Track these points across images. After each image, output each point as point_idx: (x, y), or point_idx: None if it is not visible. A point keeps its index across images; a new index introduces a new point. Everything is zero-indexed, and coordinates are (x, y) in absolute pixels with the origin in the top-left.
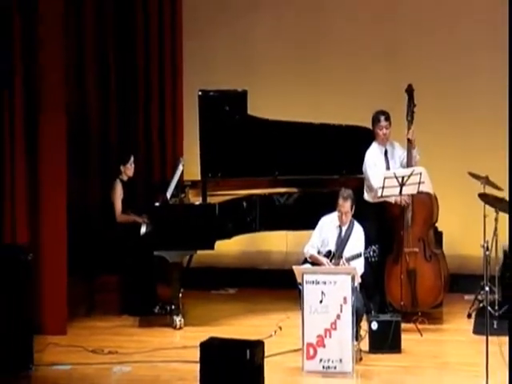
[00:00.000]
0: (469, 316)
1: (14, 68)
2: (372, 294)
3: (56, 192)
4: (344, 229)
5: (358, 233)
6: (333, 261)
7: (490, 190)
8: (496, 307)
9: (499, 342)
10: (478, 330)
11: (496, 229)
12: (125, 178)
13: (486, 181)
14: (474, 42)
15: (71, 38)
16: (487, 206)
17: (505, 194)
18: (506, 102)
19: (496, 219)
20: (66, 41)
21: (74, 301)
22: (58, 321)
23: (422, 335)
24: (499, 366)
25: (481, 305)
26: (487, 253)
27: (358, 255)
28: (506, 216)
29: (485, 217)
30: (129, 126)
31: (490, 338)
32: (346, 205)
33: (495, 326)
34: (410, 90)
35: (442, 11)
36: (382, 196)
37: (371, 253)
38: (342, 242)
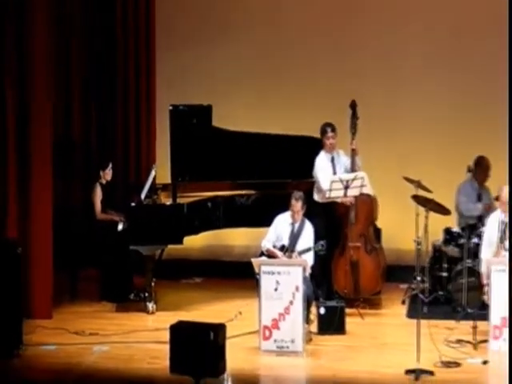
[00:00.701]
0: (403, 302)
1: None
2: (320, 283)
3: (43, 194)
4: (296, 226)
5: (308, 229)
6: (286, 254)
7: (421, 192)
8: (426, 294)
9: (428, 325)
10: (411, 314)
11: (426, 226)
12: (103, 181)
13: (418, 184)
14: (410, 62)
15: (58, 57)
16: (419, 206)
17: (434, 196)
18: (438, 114)
19: (426, 217)
20: (54, 60)
21: (59, 289)
22: (45, 307)
23: (363, 319)
24: (428, 345)
25: (413, 292)
26: (419, 247)
27: (309, 249)
28: (435, 215)
29: (417, 215)
30: (108, 136)
31: (421, 321)
32: (297, 205)
33: (425, 311)
34: (353, 106)
35: (385, 35)
36: (329, 197)
37: (320, 247)
38: (294, 238)
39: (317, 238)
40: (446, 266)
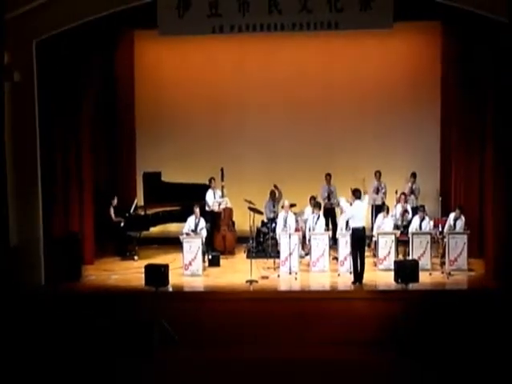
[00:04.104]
0: (244, 252)
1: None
2: (209, 244)
3: (87, 207)
4: (197, 220)
5: (203, 221)
6: (193, 233)
7: (252, 205)
8: (254, 248)
9: (256, 261)
10: (248, 256)
11: (253, 219)
12: (113, 204)
13: (250, 202)
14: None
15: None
16: (251, 212)
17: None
18: (263, 164)
19: (254, 216)
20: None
21: (96, 252)
22: (90, 259)
23: (227, 259)
24: (255, 269)
25: (248, 247)
26: (251, 228)
27: (203, 229)
28: (258, 215)
29: (250, 215)
30: (116, 186)
31: (252, 259)
32: (196, 210)
33: (254, 255)
34: (222, 170)
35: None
36: (212, 209)
37: (208, 228)
38: (196, 225)
39: (207, 224)
40: (262, 236)
